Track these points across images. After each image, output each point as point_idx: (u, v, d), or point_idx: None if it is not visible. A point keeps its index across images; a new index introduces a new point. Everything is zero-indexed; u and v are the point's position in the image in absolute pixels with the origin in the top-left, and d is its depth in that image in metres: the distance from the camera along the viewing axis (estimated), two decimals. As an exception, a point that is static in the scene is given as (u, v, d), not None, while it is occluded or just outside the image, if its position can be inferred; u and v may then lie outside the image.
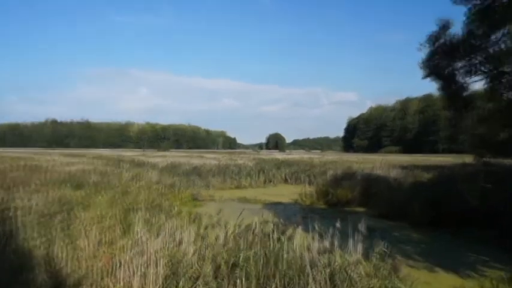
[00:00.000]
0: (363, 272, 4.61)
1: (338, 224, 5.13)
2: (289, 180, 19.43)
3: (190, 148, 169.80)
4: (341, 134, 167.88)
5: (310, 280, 4.21)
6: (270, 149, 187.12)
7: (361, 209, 11.30)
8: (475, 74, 8.07)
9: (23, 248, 4.81)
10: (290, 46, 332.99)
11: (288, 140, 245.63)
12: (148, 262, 4.48)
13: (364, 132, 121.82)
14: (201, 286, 4.15)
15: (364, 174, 14.57)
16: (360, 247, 5.17)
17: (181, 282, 4.24)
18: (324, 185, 13.17)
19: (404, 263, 5.83)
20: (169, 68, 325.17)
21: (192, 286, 4.21)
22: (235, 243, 5.09)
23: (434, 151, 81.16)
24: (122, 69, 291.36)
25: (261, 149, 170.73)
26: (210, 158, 32.55)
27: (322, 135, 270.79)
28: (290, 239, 5.22)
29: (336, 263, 4.65)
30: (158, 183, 12.85)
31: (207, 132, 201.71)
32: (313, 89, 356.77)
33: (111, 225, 6.02)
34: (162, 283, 4.31)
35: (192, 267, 4.49)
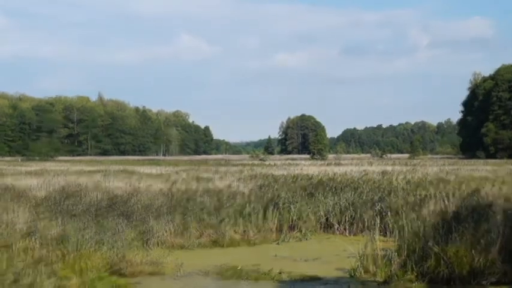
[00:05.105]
0: None
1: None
2: (335, 226, 18.33)
3: (103, 153, 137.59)
4: (455, 116, 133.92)
5: None
6: (289, 152, 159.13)
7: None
8: None
9: None
10: None
11: (333, 131, 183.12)
12: None
13: (510, 110, 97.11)
14: None
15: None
16: None
17: None
18: (416, 235, 12.62)
19: None
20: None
21: None
22: None
23: None
24: None
25: (270, 153, 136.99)
26: (150, 176, 28.54)
27: (412, 120, 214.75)
28: None
29: None
30: (30, 236, 12.57)
31: (143, 114, 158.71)
32: (393, 13, 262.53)
33: None
34: None
35: None
